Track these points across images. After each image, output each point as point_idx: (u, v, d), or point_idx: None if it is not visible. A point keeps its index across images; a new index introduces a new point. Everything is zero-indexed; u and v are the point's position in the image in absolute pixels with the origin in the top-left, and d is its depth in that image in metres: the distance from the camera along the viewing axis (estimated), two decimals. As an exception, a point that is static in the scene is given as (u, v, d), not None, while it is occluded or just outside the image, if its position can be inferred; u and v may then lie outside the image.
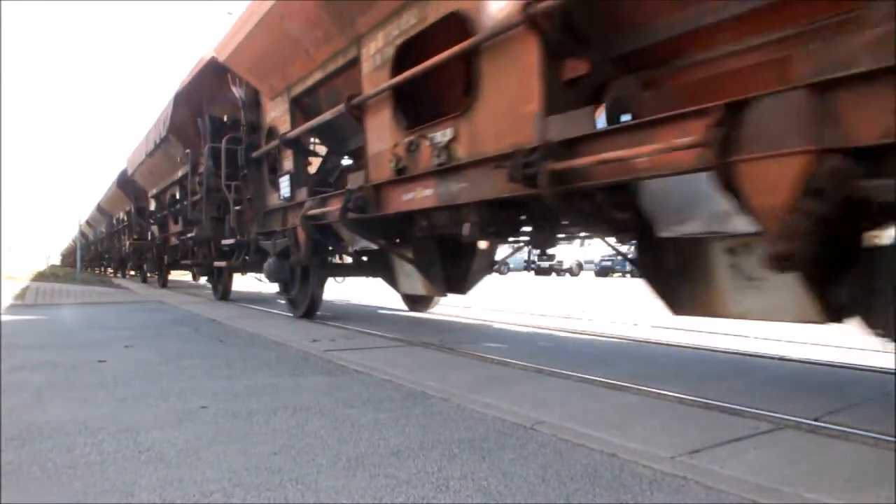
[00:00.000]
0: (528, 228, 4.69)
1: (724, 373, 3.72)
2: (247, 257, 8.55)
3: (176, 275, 17.88)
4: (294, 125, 6.48)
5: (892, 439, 2.20)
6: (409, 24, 4.37)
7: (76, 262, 25.48)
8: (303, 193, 6.40)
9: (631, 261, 3.97)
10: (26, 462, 2.01)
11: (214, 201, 9.13)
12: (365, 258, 7.24)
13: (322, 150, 7.71)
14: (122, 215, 20.89)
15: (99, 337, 5.31)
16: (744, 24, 2.97)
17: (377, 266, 7.05)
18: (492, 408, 2.74)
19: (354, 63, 5.13)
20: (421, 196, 4.38)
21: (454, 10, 3.91)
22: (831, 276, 2.43)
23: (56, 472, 1.93)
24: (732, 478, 1.87)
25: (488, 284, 15.71)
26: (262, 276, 7.75)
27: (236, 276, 10.60)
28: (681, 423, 2.49)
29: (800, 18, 2.75)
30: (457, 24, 3.88)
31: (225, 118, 9.14)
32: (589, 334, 5.64)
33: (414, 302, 8.05)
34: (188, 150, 10.26)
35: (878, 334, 2.37)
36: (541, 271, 25.66)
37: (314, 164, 7.60)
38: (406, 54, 4.47)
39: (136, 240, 17.45)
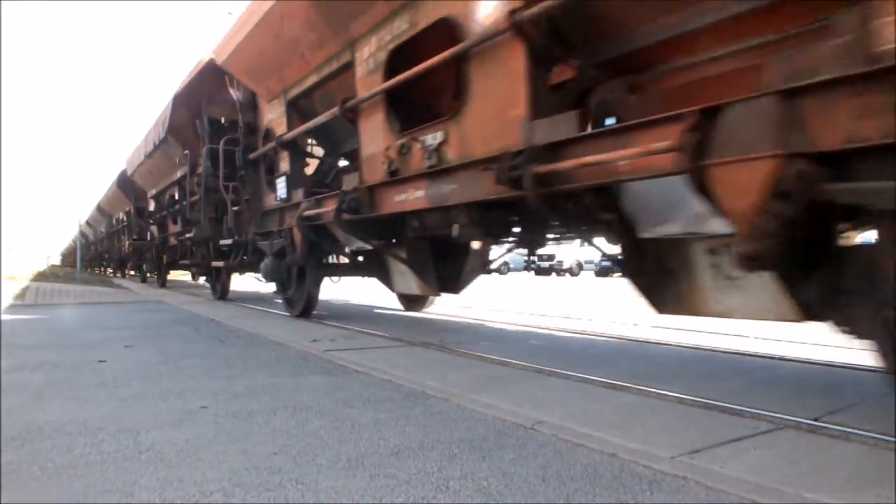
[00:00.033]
0: (518, 229, 4.76)
1: (724, 373, 3.72)
2: (244, 257, 8.65)
3: (175, 275, 17.89)
4: (290, 127, 6.56)
5: (892, 439, 2.20)
6: (400, 29, 4.45)
7: (76, 262, 25.51)
8: (299, 194, 6.47)
9: (616, 261, 4.10)
10: (26, 462, 2.01)
11: (213, 202, 9.20)
12: (361, 258, 7.33)
13: (319, 151, 7.78)
14: (121, 215, 20.91)
15: (99, 337, 5.31)
16: (723, 31, 3.04)
17: (372, 266, 7.13)
18: (492, 408, 2.74)
19: (349, 67, 5.20)
20: (413, 197, 4.46)
21: (444, 15, 3.98)
22: (802, 275, 2.49)
23: (56, 472, 1.93)
24: (732, 478, 1.87)
25: (488, 284, 15.74)
26: (259, 275, 7.81)
27: (235, 276, 10.62)
28: (681, 423, 2.49)
29: (776, 26, 2.83)
30: (447, 30, 3.94)
31: (223, 120, 9.24)
32: (589, 334, 5.64)
33: (410, 301, 8.12)
34: (187, 152, 10.31)
35: (844, 332, 2.43)
36: (541, 271, 25.64)
37: (312, 166, 7.66)
38: (398, 59, 4.54)
39: (135, 240, 17.48)
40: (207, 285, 11.88)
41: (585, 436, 2.31)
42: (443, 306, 8.30)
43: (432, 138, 4.17)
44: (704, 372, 3.76)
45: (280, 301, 7.95)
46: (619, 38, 3.41)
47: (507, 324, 6.62)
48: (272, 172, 7.25)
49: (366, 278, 7.99)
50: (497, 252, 6.93)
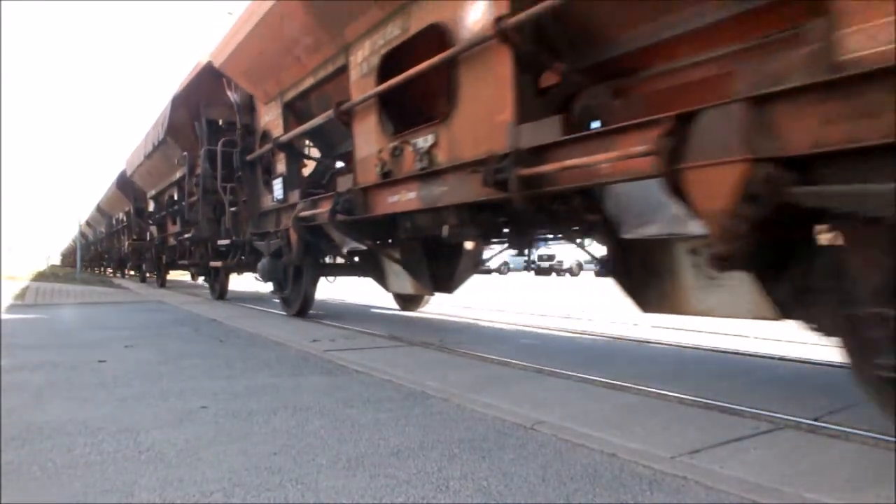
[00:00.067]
0: (507, 230, 4.87)
1: (723, 373, 3.72)
2: (242, 257, 8.73)
3: (174, 275, 17.89)
4: (287, 129, 6.63)
5: (892, 439, 2.21)
6: (393, 34, 4.54)
7: (76, 262, 25.51)
8: (295, 195, 6.54)
9: (600, 261, 4.24)
10: (26, 462, 2.01)
11: (211, 203, 9.26)
12: (356, 258, 7.44)
13: (316, 153, 7.87)
14: (121, 216, 20.92)
15: (99, 337, 5.31)
16: (702, 38, 3.12)
17: (368, 266, 7.25)
18: (492, 408, 2.75)
19: (343, 70, 5.28)
20: (405, 199, 4.54)
21: (434, 21, 4.06)
22: (773, 275, 2.56)
23: (56, 472, 1.93)
24: (732, 478, 1.87)
25: (488, 284, 15.73)
26: (257, 275, 7.88)
27: (235, 276, 10.64)
28: (681, 423, 2.49)
29: (753, 33, 2.92)
30: (437, 36, 4.02)
31: (221, 121, 9.33)
32: (589, 334, 5.64)
33: (405, 301, 8.20)
34: (185, 153, 10.37)
35: (813, 329, 2.49)
36: (541, 271, 25.65)
37: (309, 167, 7.73)
38: (391, 63, 4.63)
39: (135, 240, 17.50)
40: (206, 285, 11.90)
41: (585, 436, 2.31)
42: (443, 306, 8.30)
43: (423, 141, 4.25)
44: (704, 372, 3.76)
45: (278, 301, 7.98)
46: (602, 44, 3.51)
47: (507, 324, 6.62)
48: (269, 173, 7.32)
49: (362, 278, 8.06)
50: (490, 252, 7.08)
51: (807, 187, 2.11)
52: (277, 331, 5.73)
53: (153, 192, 14.64)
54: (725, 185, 2.27)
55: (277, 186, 6.84)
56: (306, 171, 7.56)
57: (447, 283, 6.46)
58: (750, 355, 4.24)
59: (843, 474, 1.92)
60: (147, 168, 13.57)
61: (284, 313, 7.48)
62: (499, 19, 3.37)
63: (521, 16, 3.25)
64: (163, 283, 15.61)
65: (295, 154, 6.97)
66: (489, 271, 25.96)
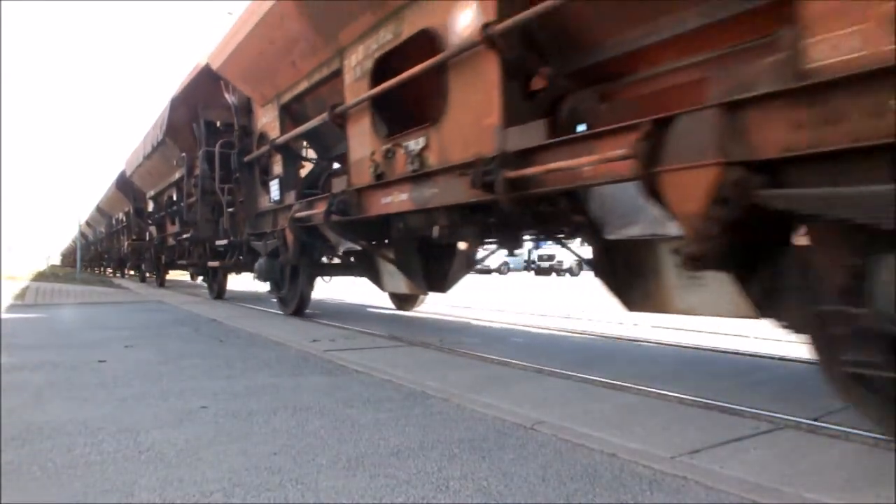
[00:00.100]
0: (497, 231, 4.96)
1: (724, 373, 3.72)
2: (240, 257, 8.80)
3: (174, 274, 17.90)
4: (283, 131, 6.70)
5: (893, 439, 2.21)
6: (385, 38, 4.62)
7: (76, 262, 25.51)
8: (291, 196, 6.60)
9: (586, 262, 4.34)
10: (26, 462, 2.01)
11: (209, 203, 9.32)
12: (352, 259, 7.51)
13: (313, 154, 7.92)
14: (120, 216, 20.92)
15: (99, 337, 5.32)
16: (684, 44, 3.21)
17: (363, 266, 7.34)
18: (492, 408, 2.75)
19: (338, 74, 5.34)
20: (398, 200, 4.61)
21: (425, 27, 4.14)
22: (747, 275, 2.62)
23: (56, 472, 1.93)
24: (732, 478, 1.87)
25: (488, 284, 15.72)
26: (254, 275, 7.93)
27: (235, 276, 10.66)
28: (681, 423, 2.49)
29: (732, 40, 3.01)
30: (428, 41, 4.09)
31: (219, 123, 9.40)
32: (589, 334, 5.64)
33: (400, 300, 8.27)
34: (184, 154, 10.43)
35: (784, 327, 2.55)
36: (541, 271, 25.67)
37: (307, 168, 7.78)
38: (384, 67, 4.70)
39: (134, 240, 17.53)
40: (206, 285, 11.93)
41: (585, 436, 2.31)
42: (443, 306, 8.31)
43: (415, 144, 4.33)
44: (704, 372, 3.76)
45: (275, 300, 8.02)
46: (588, 49, 3.61)
47: (507, 324, 6.62)
48: (266, 175, 7.39)
49: (358, 278, 8.12)
50: (483, 253, 7.16)
51: (775, 190, 2.19)
52: (277, 331, 5.73)
53: (152, 193, 14.65)
54: (699, 188, 2.35)
55: (274, 187, 6.91)
56: (303, 173, 7.62)
57: (441, 282, 6.56)
58: (750, 355, 4.24)
59: (843, 474, 1.93)
60: (146, 169, 13.58)
61: (283, 313, 7.50)
62: (486, 26, 3.45)
63: (508, 22, 3.33)
64: (162, 282, 15.63)
65: (291, 155, 7.04)
66: (489, 271, 25.98)
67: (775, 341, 4.77)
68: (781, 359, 4.05)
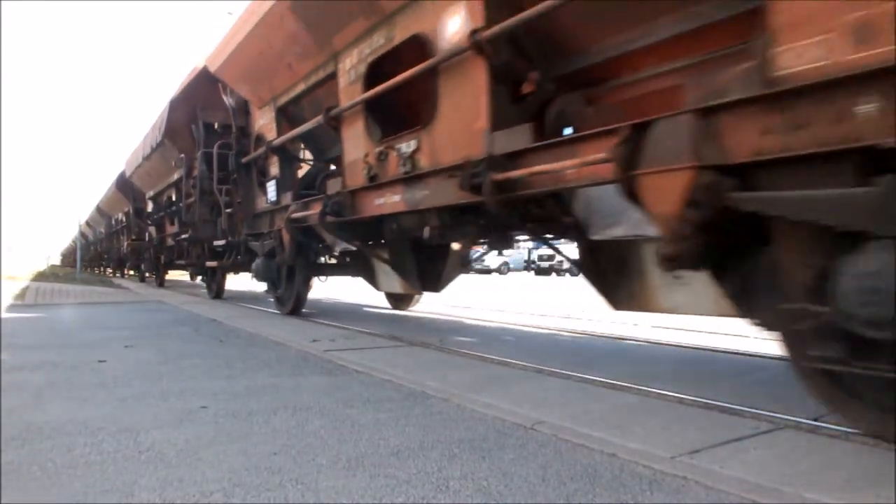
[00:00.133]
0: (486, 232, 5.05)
1: (724, 373, 3.73)
2: (238, 257, 8.88)
3: (173, 274, 17.91)
4: (280, 133, 6.77)
5: (893, 439, 2.21)
6: (378, 43, 4.71)
7: (76, 262, 25.51)
8: (288, 197, 6.65)
9: (572, 261, 4.44)
10: (26, 462, 2.01)
11: (208, 204, 9.38)
12: (348, 259, 7.58)
13: (310, 156, 7.97)
14: (120, 216, 20.94)
15: (99, 337, 5.31)
16: (664, 50, 3.30)
17: (359, 266, 7.40)
18: (492, 408, 2.74)
19: (333, 77, 5.42)
20: (391, 201, 4.70)
21: (416, 32, 4.23)
22: (722, 274, 2.69)
23: (56, 472, 1.93)
24: (732, 478, 1.87)
25: (488, 284, 15.71)
26: (252, 275, 7.98)
27: (234, 276, 10.68)
28: (681, 423, 2.49)
29: (710, 47, 3.11)
30: (419, 46, 4.16)
31: (217, 125, 9.48)
32: (589, 334, 5.65)
33: (396, 300, 8.36)
34: (183, 155, 10.48)
35: (755, 325, 2.64)
36: (541, 271, 25.67)
37: (304, 169, 7.83)
38: (377, 71, 4.79)
39: (134, 240, 17.55)
40: (204, 285, 11.95)
41: (585, 436, 2.31)
42: (443, 306, 8.31)
43: (407, 146, 4.40)
44: (704, 372, 3.77)
45: (272, 300, 8.05)
46: (573, 54, 3.72)
47: (507, 324, 6.62)
48: (264, 176, 7.44)
49: (353, 278, 8.18)
50: (476, 253, 7.24)
51: (746, 193, 2.26)
52: (277, 331, 5.73)
53: (152, 193, 14.68)
54: (674, 191, 2.43)
55: (271, 188, 6.97)
56: (300, 174, 7.66)
57: (435, 282, 6.63)
58: (750, 355, 4.24)
59: (843, 474, 1.92)
60: (146, 169, 13.61)
61: (280, 313, 7.52)
62: (474, 32, 3.52)
63: (495, 28, 3.40)
64: (161, 282, 15.65)
65: (288, 157, 7.10)
66: (489, 271, 26.00)
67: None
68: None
